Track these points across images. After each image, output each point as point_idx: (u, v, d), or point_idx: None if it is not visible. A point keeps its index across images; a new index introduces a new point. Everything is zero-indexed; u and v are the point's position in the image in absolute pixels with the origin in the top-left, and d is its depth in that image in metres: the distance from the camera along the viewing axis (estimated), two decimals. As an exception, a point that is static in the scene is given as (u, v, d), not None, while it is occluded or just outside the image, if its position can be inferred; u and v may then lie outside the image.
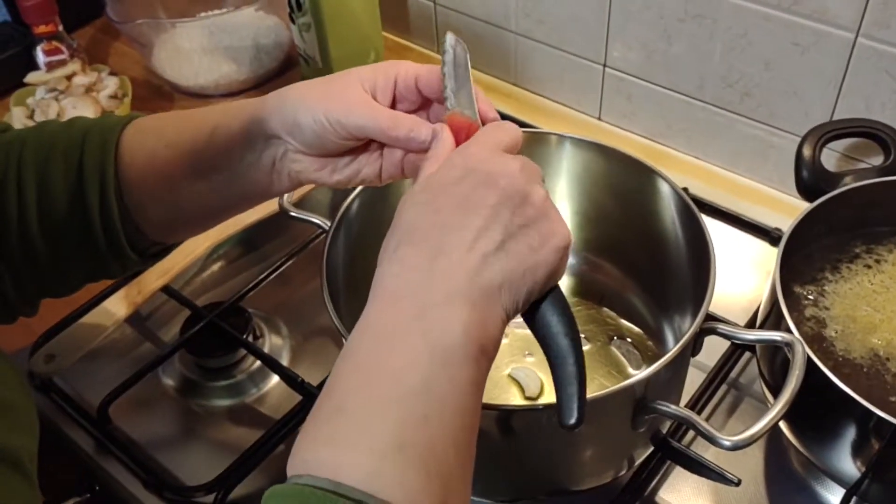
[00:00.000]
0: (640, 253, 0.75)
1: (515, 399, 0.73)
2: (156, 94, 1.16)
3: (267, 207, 0.89)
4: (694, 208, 0.67)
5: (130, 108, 1.05)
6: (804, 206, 0.75)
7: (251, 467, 0.72)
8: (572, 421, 0.45)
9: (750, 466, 0.72)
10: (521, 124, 1.02)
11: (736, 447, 0.54)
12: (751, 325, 0.79)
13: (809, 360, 0.58)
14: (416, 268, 0.45)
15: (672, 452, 0.69)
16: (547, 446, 0.59)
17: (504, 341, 0.50)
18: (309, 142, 0.56)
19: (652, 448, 0.67)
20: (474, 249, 0.45)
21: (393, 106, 0.58)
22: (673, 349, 0.58)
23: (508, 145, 0.50)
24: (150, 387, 0.79)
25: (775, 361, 0.66)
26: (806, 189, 0.75)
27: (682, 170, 0.98)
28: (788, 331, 0.61)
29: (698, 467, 0.68)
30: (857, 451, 0.60)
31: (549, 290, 0.48)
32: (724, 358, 0.77)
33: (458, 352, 0.43)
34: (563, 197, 0.77)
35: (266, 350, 0.82)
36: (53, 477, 0.76)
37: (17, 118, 1.01)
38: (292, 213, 0.71)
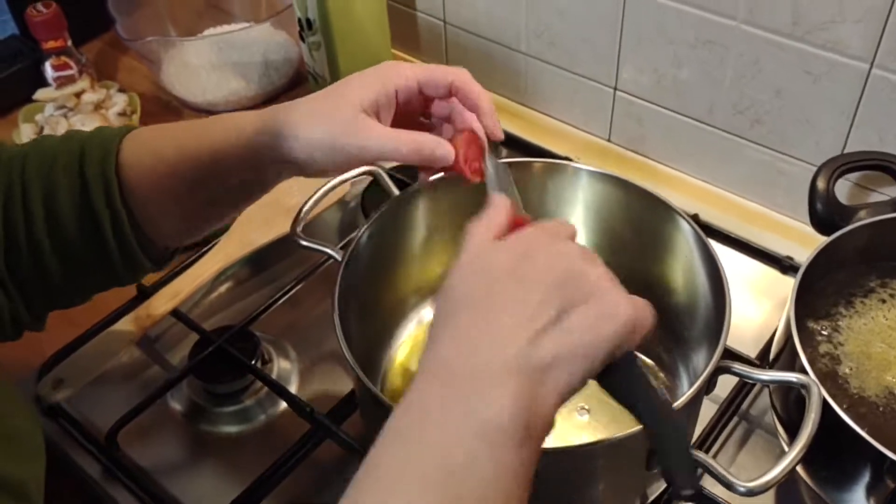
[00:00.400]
0: (655, 285, 0.74)
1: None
2: (165, 109, 1.16)
3: (277, 230, 0.90)
4: (712, 248, 0.67)
5: (139, 124, 1.05)
6: (814, 234, 0.76)
7: (260, 497, 0.72)
8: (691, 487, 0.47)
9: (762, 501, 0.72)
10: (531, 146, 1.03)
11: (752, 494, 0.53)
12: (762, 356, 0.79)
13: (825, 401, 0.58)
14: (467, 339, 0.45)
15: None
16: (563, 487, 0.59)
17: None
18: (313, 174, 0.59)
19: (665, 485, 0.67)
20: (530, 324, 0.44)
21: (397, 115, 0.60)
22: (688, 392, 0.57)
23: (566, 237, 0.50)
24: (158, 412, 0.78)
25: (789, 397, 0.66)
26: (820, 222, 0.75)
27: (691, 194, 0.98)
28: (803, 370, 0.61)
29: (708, 469, 0.67)
30: (871, 492, 0.60)
31: (622, 357, 0.46)
32: (735, 390, 0.77)
33: (507, 433, 0.42)
34: (578, 226, 0.76)
35: (275, 374, 0.82)
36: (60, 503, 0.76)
37: (27, 135, 1.01)
38: (303, 243, 0.71)
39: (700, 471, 0.48)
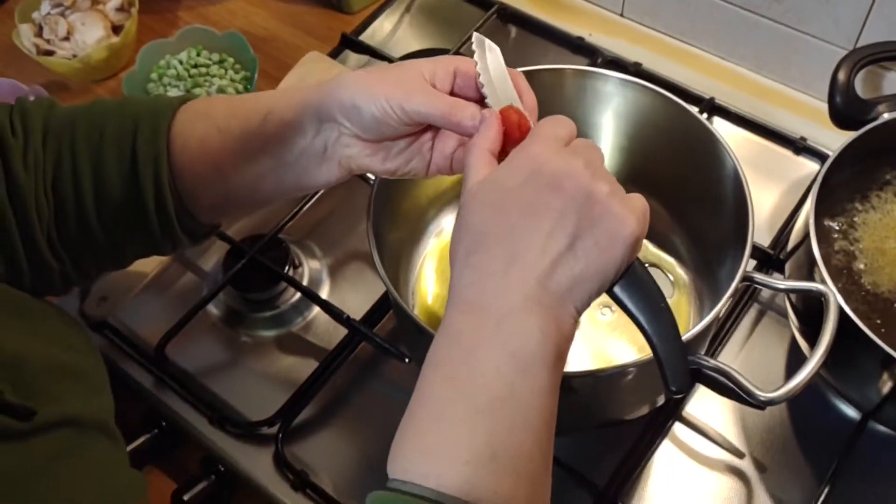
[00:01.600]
0: (678, 189, 0.76)
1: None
2: (162, -6, 1.12)
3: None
4: (739, 168, 0.68)
5: (138, 21, 1.02)
6: (825, 109, 0.76)
7: (308, 399, 0.77)
8: (678, 389, 0.50)
9: (772, 380, 0.77)
10: (542, 25, 1.01)
11: (771, 403, 0.58)
12: (776, 242, 0.82)
13: (841, 308, 0.61)
14: (490, 275, 0.47)
15: (704, 378, 0.73)
16: (600, 398, 0.64)
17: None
18: (366, 125, 0.56)
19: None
20: (545, 254, 0.47)
21: (451, 94, 0.58)
22: (713, 311, 0.61)
23: (567, 139, 0.51)
24: (199, 320, 0.81)
25: (807, 299, 0.69)
26: (839, 116, 0.75)
27: (705, 70, 0.98)
28: (822, 279, 0.63)
29: (728, 391, 0.73)
30: (877, 383, 0.65)
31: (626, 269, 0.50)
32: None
33: (537, 357, 0.46)
34: (607, 131, 0.78)
35: (306, 278, 0.85)
36: (120, 415, 0.81)
37: (26, 36, 0.98)
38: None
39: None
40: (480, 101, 0.56)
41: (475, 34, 0.57)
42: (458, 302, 0.48)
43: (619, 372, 0.60)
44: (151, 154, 0.59)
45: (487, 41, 0.56)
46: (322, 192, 0.88)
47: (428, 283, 0.80)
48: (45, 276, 0.61)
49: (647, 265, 0.79)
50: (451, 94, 0.57)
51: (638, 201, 0.50)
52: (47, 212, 0.59)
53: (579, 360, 0.74)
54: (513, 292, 0.47)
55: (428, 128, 0.58)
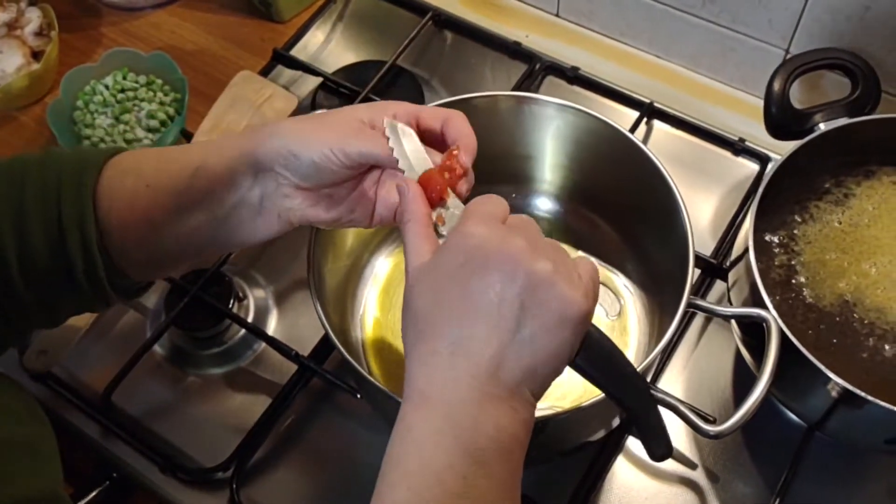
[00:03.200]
0: (621, 206, 0.76)
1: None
2: (81, 9, 1.07)
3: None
4: (673, 183, 0.68)
5: (59, 41, 0.98)
6: (761, 105, 0.76)
7: (261, 439, 0.76)
8: (664, 456, 0.52)
9: (721, 389, 0.78)
10: (478, 29, 0.99)
11: (720, 436, 0.59)
12: (719, 249, 0.82)
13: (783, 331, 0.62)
14: (436, 367, 0.47)
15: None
16: (563, 432, 0.64)
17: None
18: (306, 173, 0.54)
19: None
20: (490, 344, 0.46)
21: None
22: (661, 343, 0.61)
23: (501, 216, 0.50)
24: (144, 361, 0.79)
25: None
26: (774, 126, 0.76)
27: (642, 70, 0.97)
28: (762, 302, 0.64)
29: (677, 411, 0.73)
30: (819, 400, 0.66)
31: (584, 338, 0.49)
32: (696, 286, 0.81)
33: (491, 449, 0.45)
34: (548, 151, 0.77)
35: (252, 310, 0.83)
36: (71, 467, 0.79)
37: (-59, 69, 0.94)
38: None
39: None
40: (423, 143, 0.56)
41: (386, 120, 0.55)
42: (410, 393, 0.47)
43: (582, 409, 0.60)
44: (77, 216, 0.56)
45: (400, 125, 0.55)
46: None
47: (373, 310, 0.79)
48: None
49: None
50: None
51: (585, 270, 0.49)
52: None
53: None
54: (461, 385, 0.46)
55: (369, 172, 0.57)
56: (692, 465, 0.75)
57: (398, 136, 0.54)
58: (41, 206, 0.57)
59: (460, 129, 0.56)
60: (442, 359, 0.46)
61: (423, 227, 0.51)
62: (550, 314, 0.47)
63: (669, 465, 0.75)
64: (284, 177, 0.55)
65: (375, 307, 0.79)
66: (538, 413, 0.51)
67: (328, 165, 0.54)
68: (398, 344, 0.77)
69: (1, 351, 0.63)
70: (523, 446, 0.47)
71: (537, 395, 0.48)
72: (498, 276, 0.47)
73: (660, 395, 0.62)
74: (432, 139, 0.57)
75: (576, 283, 0.47)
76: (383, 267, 0.81)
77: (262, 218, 0.57)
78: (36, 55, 0.97)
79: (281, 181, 0.55)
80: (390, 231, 0.81)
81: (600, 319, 0.77)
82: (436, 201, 0.53)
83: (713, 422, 0.62)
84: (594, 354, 0.50)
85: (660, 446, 0.52)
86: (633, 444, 0.76)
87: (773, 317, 0.61)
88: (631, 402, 0.51)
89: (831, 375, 0.61)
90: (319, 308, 0.65)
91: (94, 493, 0.75)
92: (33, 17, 0.97)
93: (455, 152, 0.54)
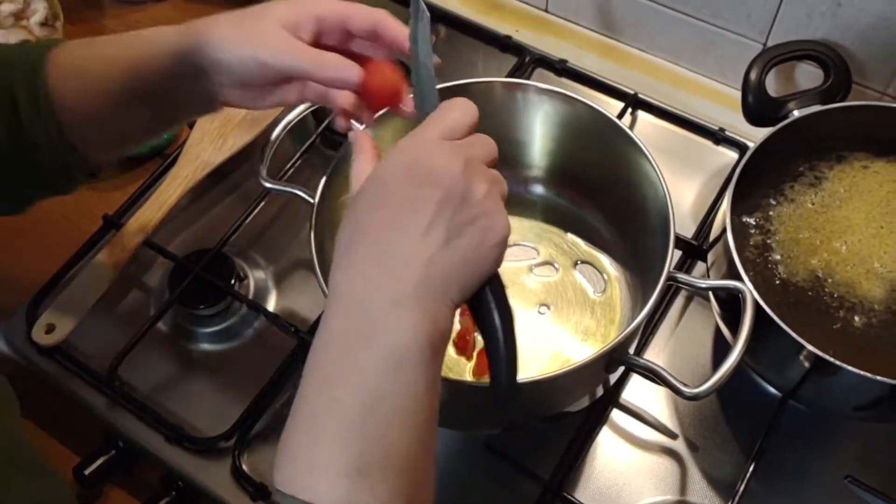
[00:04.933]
0: (607, 188, 0.79)
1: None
2: (85, 1, 1.10)
3: (231, 144, 0.91)
4: (656, 166, 0.72)
5: (63, 32, 1.01)
6: (740, 97, 0.80)
7: (263, 410, 0.79)
8: (502, 403, 0.51)
9: (701, 363, 0.82)
10: (468, 23, 1.03)
11: (696, 398, 0.62)
12: (698, 235, 0.86)
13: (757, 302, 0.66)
14: (364, 271, 0.48)
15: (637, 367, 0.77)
16: (546, 397, 0.68)
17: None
18: (235, 79, 0.60)
19: (622, 369, 0.76)
20: (420, 251, 0.47)
21: (316, 42, 0.60)
22: (640, 315, 0.65)
23: (457, 131, 0.51)
24: (148, 337, 0.83)
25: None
26: (751, 114, 0.80)
27: (628, 63, 1.01)
28: (738, 276, 0.68)
29: (658, 375, 0.77)
30: (792, 368, 0.70)
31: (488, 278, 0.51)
32: (677, 266, 0.85)
33: (411, 356, 0.46)
34: (538, 135, 0.81)
35: (252, 290, 0.86)
36: (79, 437, 0.83)
37: (-52, 56, 0.97)
38: (269, 186, 0.74)
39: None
40: (347, 40, 0.60)
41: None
42: (334, 299, 0.48)
43: (563, 374, 0.64)
44: (33, 107, 0.61)
45: (423, 6, 0.57)
46: (264, 202, 0.90)
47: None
48: None
49: (580, 262, 0.83)
50: (314, 42, 0.59)
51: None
52: None
53: (535, 360, 0.77)
54: (386, 289, 0.47)
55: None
56: (673, 436, 0.78)
57: (417, 14, 0.57)
58: None
59: (395, 33, 0.59)
60: (370, 264, 0.48)
61: (369, 158, 0.55)
62: (479, 230, 0.49)
63: (652, 435, 0.78)
64: (217, 79, 0.60)
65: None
66: (525, 377, 0.54)
67: (251, 76, 0.59)
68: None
69: None
70: (440, 353, 0.48)
71: (456, 305, 0.49)
72: (434, 190, 0.48)
73: (641, 362, 0.66)
74: (363, 43, 0.61)
75: (503, 209, 0.51)
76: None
77: (209, 102, 0.63)
78: (42, 45, 1.00)
79: (214, 80, 0.60)
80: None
81: (588, 296, 0.81)
82: (386, 99, 0.58)
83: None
84: (496, 290, 0.52)
85: (500, 403, 0.52)
86: (618, 415, 0.79)
87: (748, 288, 0.65)
88: (501, 349, 0.51)
89: (804, 343, 0.65)
90: (322, 279, 0.68)
91: (100, 461, 0.78)
92: (39, 8, 1.00)
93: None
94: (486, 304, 0.51)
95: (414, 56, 0.57)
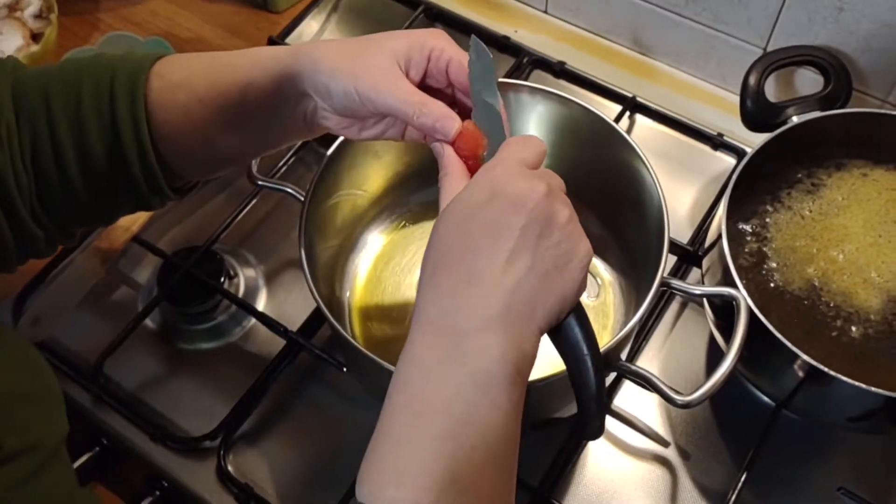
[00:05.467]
0: (602, 192, 0.78)
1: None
2: (81, -3, 1.10)
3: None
4: (652, 171, 0.71)
5: (58, 24, 1.00)
6: (739, 104, 0.80)
7: (249, 410, 0.78)
8: (593, 436, 0.52)
9: (694, 370, 0.81)
10: (468, 23, 1.02)
11: (688, 406, 0.61)
12: (693, 241, 0.85)
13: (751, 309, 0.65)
14: (451, 294, 0.49)
15: (630, 373, 0.76)
16: (538, 402, 0.67)
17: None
18: (338, 108, 0.59)
19: (614, 375, 0.75)
20: (506, 274, 0.48)
21: (423, 80, 0.60)
22: (633, 319, 0.64)
23: (532, 161, 0.53)
24: (135, 334, 0.82)
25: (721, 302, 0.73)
26: (749, 119, 0.79)
27: (626, 66, 1.00)
28: (733, 283, 0.67)
29: (650, 383, 0.76)
30: (786, 377, 0.69)
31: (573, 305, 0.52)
32: (673, 270, 0.84)
33: (498, 377, 0.47)
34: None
35: (241, 289, 0.85)
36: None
37: (-60, 47, 0.96)
38: (261, 183, 0.73)
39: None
40: (448, 92, 0.60)
41: (473, 38, 0.59)
42: (421, 321, 0.49)
43: (553, 379, 0.63)
44: (131, 119, 0.59)
45: (482, 45, 0.58)
46: (255, 201, 0.89)
47: (362, 287, 0.81)
48: (29, 244, 0.62)
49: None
50: (424, 75, 0.59)
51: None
52: (28, 185, 0.59)
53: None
54: (473, 311, 0.48)
55: None
56: (665, 444, 0.77)
57: (478, 54, 0.58)
58: (97, 114, 0.60)
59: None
60: (458, 286, 0.49)
61: (458, 179, 0.55)
62: (564, 253, 0.50)
63: (643, 442, 0.77)
64: (321, 105, 0.59)
65: (364, 284, 0.82)
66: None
67: (356, 107, 0.58)
68: (385, 320, 0.80)
69: (52, 252, 0.66)
70: (525, 379, 0.49)
71: (542, 330, 0.50)
72: (520, 215, 0.49)
73: (633, 368, 0.65)
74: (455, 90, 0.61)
75: (584, 234, 0.52)
76: (373, 245, 0.83)
77: (306, 127, 0.62)
78: (35, 37, 0.99)
79: (319, 105, 0.59)
80: (380, 210, 0.83)
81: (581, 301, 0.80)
82: (469, 157, 0.57)
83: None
84: (581, 317, 0.52)
85: (599, 424, 0.53)
86: (609, 422, 0.78)
87: (743, 295, 0.64)
88: (586, 378, 0.52)
89: (798, 352, 0.64)
90: (310, 280, 0.67)
91: (84, 459, 0.77)
92: (33, 0, 0.99)
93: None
94: (571, 331, 0.51)
95: (476, 94, 0.58)
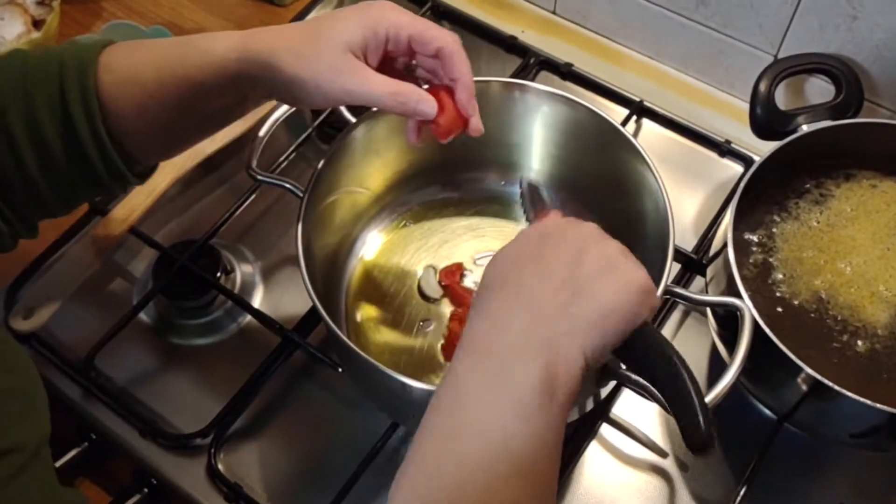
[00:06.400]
0: (606, 196, 0.77)
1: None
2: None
3: (224, 134, 0.89)
4: (658, 176, 0.70)
5: (60, 12, 0.99)
6: (748, 111, 0.79)
7: (242, 408, 0.76)
8: (703, 448, 0.50)
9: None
10: (476, 22, 1.01)
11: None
12: (698, 249, 0.84)
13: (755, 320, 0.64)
14: (496, 321, 0.49)
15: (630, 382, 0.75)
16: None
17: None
18: (300, 102, 0.59)
19: (615, 383, 0.74)
20: (553, 301, 0.49)
21: (383, 61, 0.60)
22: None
23: (582, 222, 0.55)
24: (128, 328, 0.80)
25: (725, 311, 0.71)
26: (759, 127, 0.77)
27: (634, 69, 0.99)
28: (737, 292, 0.66)
29: (651, 393, 0.75)
30: (790, 390, 0.68)
31: (640, 327, 0.51)
32: (677, 277, 0.83)
33: (536, 404, 0.46)
34: (537, 140, 0.79)
35: (238, 284, 0.84)
36: (52, 428, 0.80)
37: (-60, 30, 0.95)
38: (260, 178, 0.72)
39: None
40: (411, 54, 0.60)
41: (522, 178, 0.67)
42: (465, 346, 0.50)
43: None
44: (83, 107, 0.59)
45: (531, 183, 0.67)
46: (254, 196, 0.87)
47: (359, 287, 0.80)
48: None
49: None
50: (383, 63, 0.59)
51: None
52: None
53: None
54: (518, 338, 0.48)
55: None
56: (663, 454, 0.76)
57: (531, 198, 0.65)
58: (48, 106, 0.59)
59: (459, 68, 0.59)
60: (504, 314, 0.49)
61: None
62: (614, 279, 0.50)
63: (641, 452, 0.76)
64: (275, 94, 0.60)
65: (363, 284, 0.80)
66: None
67: (322, 104, 0.59)
68: (382, 321, 0.78)
69: (15, 246, 0.65)
70: (565, 410, 0.48)
71: (589, 358, 0.49)
72: (571, 247, 0.51)
73: (634, 377, 0.63)
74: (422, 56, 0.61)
75: (640, 265, 0.52)
76: (372, 244, 0.82)
77: (261, 104, 0.63)
78: (36, 24, 0.97)
79: (273, 94, 0.60)
80: (380, 208, 0.82)
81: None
82: (449, 131, 0.60)
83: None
84: (648, 334, 0.51)
85: (701, 443, 0.50)
86: (607, 430, 0.77)
87: (747, 306, 0.63)
88: (680, 393, 0.50)
89: (802, 365, 0.62)
90: (307, 279, 0.66)
91: (71, 454, 0.75)
92: (36, -14, 0.97)
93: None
94: (647, 352, 0.51)
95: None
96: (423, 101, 0.58)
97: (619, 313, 0.50)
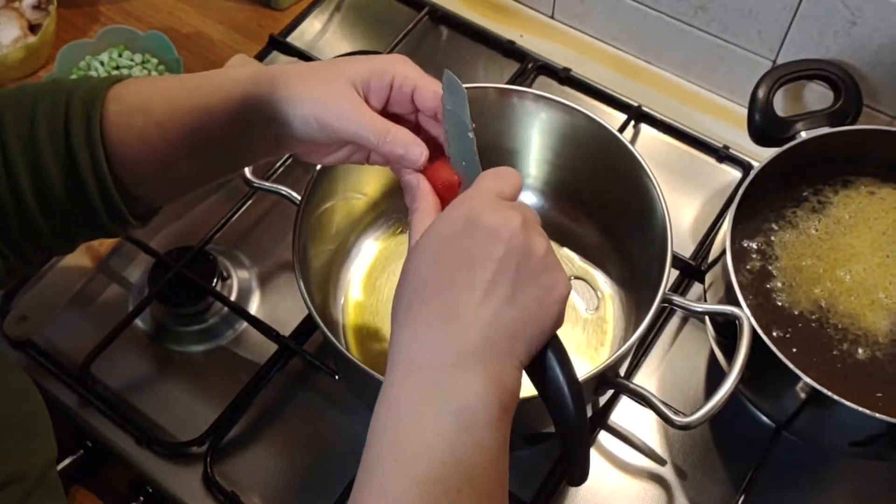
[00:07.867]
0: (604, 203, 0.77)
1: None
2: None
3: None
4: (656, 182, 0.69)
5: (56, 16, 0.99)
6: (746, 117, 0.78)
7: (238, 416, 0.76)
8: (577, 482, 0.50)
9: (694, 388, 0.79)
10: (473, 26, 1.00)
11: (687, 427, 0.60)
12: (696, 255, 0.84)
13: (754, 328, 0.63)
14: (428, 330, 0.47)
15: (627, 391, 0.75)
16: (523, 416, 0.65)
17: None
18: (298, 134, 0.57)
19: (612, 391, 0.74)
20: (484, 307, 0.47)
21: (385, 108, 0.58)
22: (633, 336, 0.62)
23: (508, 194, 0.51)
24: (124, 335, 0.80)
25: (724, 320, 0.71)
26: (757, 133, 0.77)
27: (633, 74, 0.99)
28: (736, 300, 0.65)
29: (648, 402, 0.74)
30: (788, 399, 0.67)
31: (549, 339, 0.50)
32: (674, 285, 0.82)
33: (481, 415, 0.45)
34: (534, 146, 0.78)
35: (234, 291, 0.84)
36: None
37: (-64, 36, 0.94)
38: (257, 185, 0.71)
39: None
40: (412, 119, 0.58)
41: (447, 73, 0.57)
42: (398, 360, 0.47)
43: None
44: (86, 144, 0.57)
45: (456, 80, 0.56)
46: (250, 202, 0.87)
47: (356, 294, 0.80)
48: None
49: (574, 278, 0.80)
50: (386, 102, 0.57)
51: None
52: None
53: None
54: (451, 348, 0.46)
55: None
56: (661, 462, 0.76)
57: (451, 87, 0.56)
58: (52, 140, 0.58)
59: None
60: (434, 323, 0.47)
61: (428, 215, 0.53)
62: (541, 286, 0.48)
63: (639, 460, 0.76)
64: (283, 131, 0.57)
65: (359, 291, 0.80)
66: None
67: (318, 137, 0.57)
68: (379, 328, 0.78)
69: (12, 282, 0.64)
70: (510, 413, 0.47)
71: (523, 363, 0.48)
72: (497, 244, 0.48)
73: (632, 386, 0.63)
74: (424, 116, 0.59)
75: (562, 267, 0.50)
76: (368, 251, 0.82)
77: (272, 149, 0.60)
78: (33, 28, 0.97)
79: (281, 132, 0.58)
80: (377, 215, 0.82)
81: (579, 313, 0.78)
82: (442, 191, 0.55)
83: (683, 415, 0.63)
84: (558, 350, 0.50)
85: (582, 469, 0.52)
86: (605, 438, 0.77)
87: (746, 314, 0.63)
88: (565, 416, 0.50)
89: (801, 374, 0.62)
90: (303, 287, 0.66)
91: (67, 462, 0.75)
92: (32, -9, 0.97)
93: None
94: (549, 365, 0.50)
95: (450, 127, 0.56)
96: (412, 146, 0.56)
97: (551, 320, 0.49)
